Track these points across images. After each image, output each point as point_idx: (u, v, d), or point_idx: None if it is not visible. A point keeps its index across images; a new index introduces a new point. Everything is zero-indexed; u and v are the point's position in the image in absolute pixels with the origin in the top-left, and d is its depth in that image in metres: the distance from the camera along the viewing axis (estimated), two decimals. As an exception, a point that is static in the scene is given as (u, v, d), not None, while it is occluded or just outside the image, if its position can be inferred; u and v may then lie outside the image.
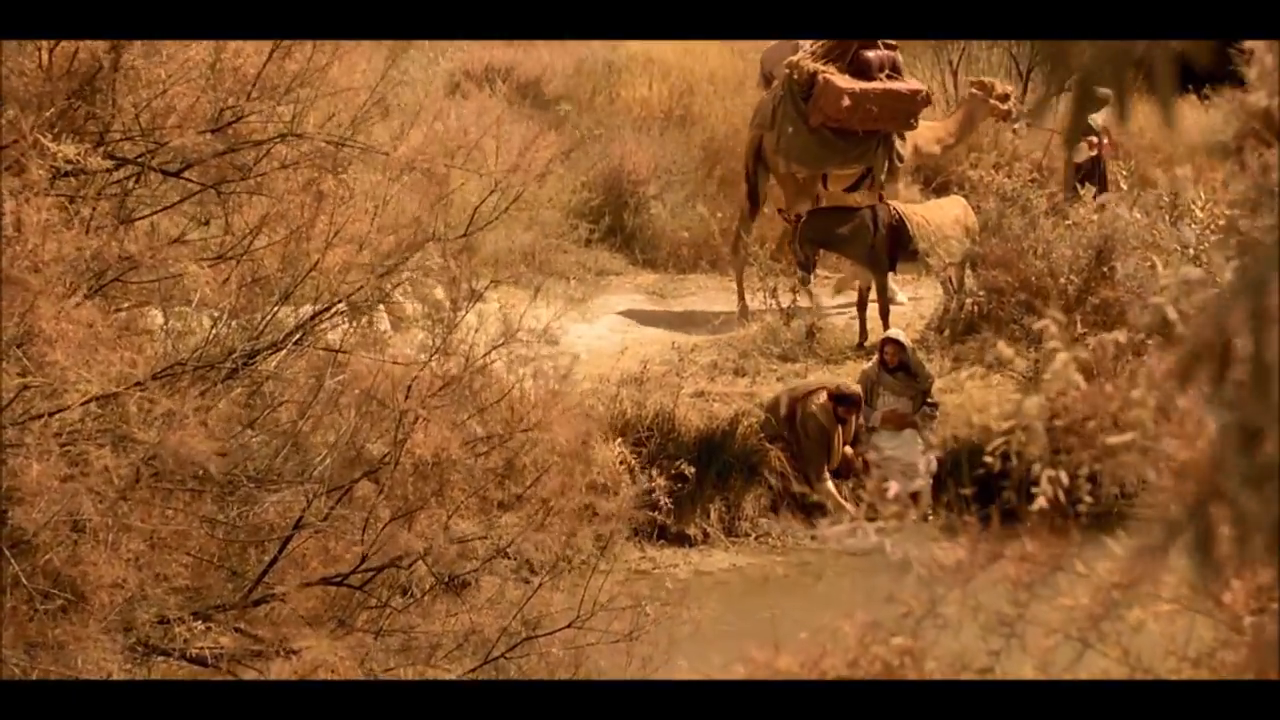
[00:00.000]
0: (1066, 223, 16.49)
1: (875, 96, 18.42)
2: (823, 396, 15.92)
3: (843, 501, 15.53)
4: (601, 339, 17.96)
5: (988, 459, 5.02)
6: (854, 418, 15.99)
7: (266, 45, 7.80)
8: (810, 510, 15.72)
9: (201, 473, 7.28)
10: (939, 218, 18.18)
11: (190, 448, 6.87)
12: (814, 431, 15.82)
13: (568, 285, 18.66)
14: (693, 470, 13.84)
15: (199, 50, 7.72)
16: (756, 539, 15.50)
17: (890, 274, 18.31)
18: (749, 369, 17.44)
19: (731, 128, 21.57)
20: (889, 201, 18.41)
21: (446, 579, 8.95)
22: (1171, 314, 4.62)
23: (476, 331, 9.05)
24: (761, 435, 15.91)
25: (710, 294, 19.84)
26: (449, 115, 16.31)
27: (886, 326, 17.96)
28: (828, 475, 15.84)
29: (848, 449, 15.99)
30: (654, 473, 9.93)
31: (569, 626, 9.06)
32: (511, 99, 21.78)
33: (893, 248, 18.07)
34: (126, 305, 8.35)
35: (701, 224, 20.49)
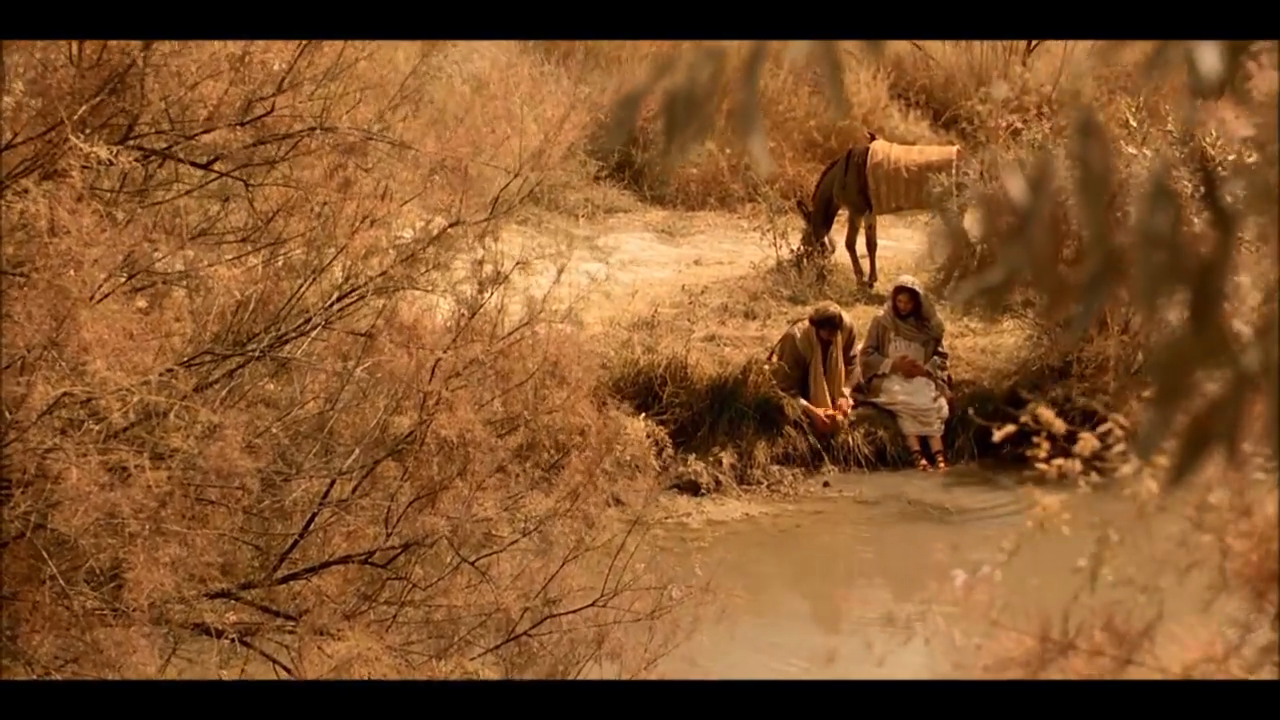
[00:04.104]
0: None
1: None
2: (806, 323, 16.01)
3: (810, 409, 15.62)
4: (610, 279, 17.90)
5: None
6: (837, 341, 15.94)
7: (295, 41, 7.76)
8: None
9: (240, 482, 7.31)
10: (907, 159, 18.11)
11: (230, 461, 6.90)
12: (789, 355, 15.87)
13: (581, 227, 18.57)
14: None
15: (228, 44, 7.68)
16: (769, 487, 15.51)
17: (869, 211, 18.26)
18: (759, 312, 17.42)
19: (741, 60, 21.35)
20: (877, 142, 18.41)
21: (472, 560, 8.99)
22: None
23: (499, 310, 9.06)
24: (774, 383, 15.91)
25: (719, 231, 19.81)
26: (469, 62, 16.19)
27: (867, 263, 18.05)
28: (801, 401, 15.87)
29: (839, 414, 15.92)
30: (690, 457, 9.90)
31: (593, 605, 9.07)
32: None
33: (863, 186, 18.08)
34: (151, 284, 8.34)
35: (710, 160, 20.43)
